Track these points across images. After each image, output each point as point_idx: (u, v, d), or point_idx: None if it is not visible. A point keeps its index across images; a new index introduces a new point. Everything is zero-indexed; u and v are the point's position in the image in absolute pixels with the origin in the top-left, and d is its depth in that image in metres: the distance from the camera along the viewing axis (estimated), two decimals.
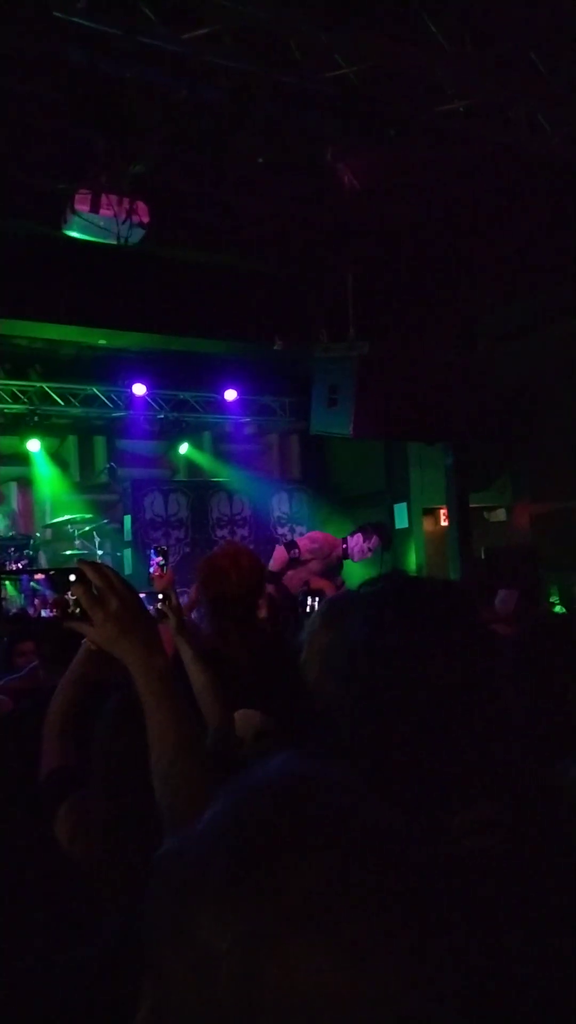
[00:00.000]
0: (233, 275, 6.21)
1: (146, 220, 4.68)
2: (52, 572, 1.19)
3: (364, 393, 6.04)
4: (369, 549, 5.43)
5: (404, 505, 8.22)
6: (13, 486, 8.28)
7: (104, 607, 1.12)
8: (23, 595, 1.19)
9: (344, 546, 5.44)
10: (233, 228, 5.29)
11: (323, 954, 0.45)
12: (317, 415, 6.40)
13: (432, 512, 8.25)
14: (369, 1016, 0.45)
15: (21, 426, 8.06)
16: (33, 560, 7.11)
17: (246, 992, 0.45)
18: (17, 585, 1.19)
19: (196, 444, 9.09)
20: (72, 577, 1.15)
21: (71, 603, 1.15)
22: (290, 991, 0.45)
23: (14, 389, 7.76)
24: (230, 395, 8.58)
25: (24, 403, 7.82)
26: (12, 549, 7.01)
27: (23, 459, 8.24)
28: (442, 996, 0.47)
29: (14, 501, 8.19)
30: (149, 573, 6.79)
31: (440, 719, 0.89)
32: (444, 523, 7.99)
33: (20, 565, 6.96)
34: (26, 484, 8.35)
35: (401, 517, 8.19)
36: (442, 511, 7.98)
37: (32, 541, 7.30)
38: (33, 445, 8.10)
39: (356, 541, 5.40)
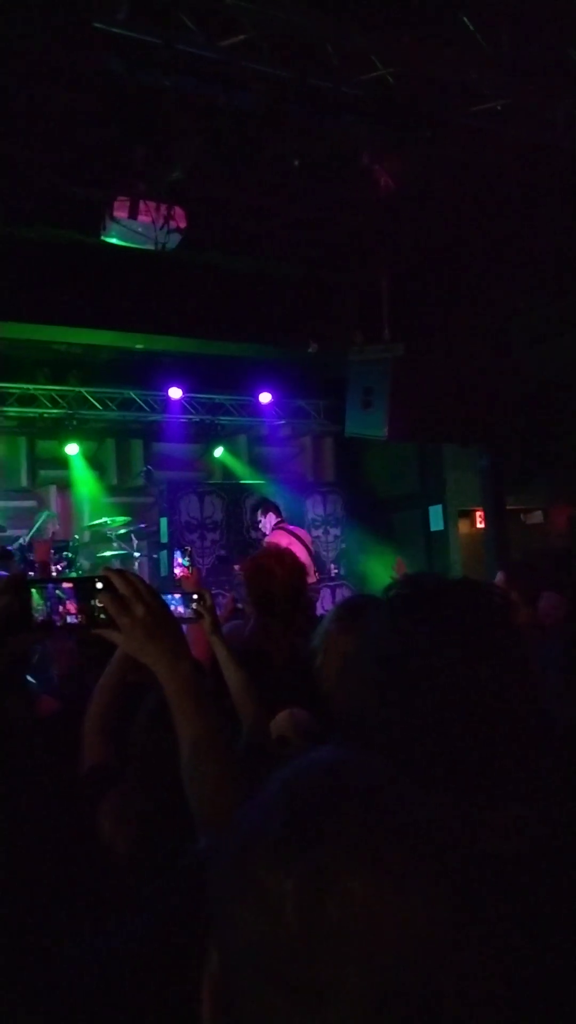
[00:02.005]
0: (268, 279, 6.25)
1: (183, 225, 4.75)
2: (78, 580, 1.20)
3: (399, 395, 6.03)
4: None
5: (439, 507, 8.17)
6: (52, 489, 8.43)
7: (130, 614, 1.13)
8: (48, 603, 1.19)
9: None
10: (268, 232, 5.33)
11: (375, 888, 0.51)
12: (352, 417, 6.40)
13: (468, 514, 8.19)
14: (419, 942, 0.50)
15: (60, 430, 8.20)
16: (72, 562, 7.23)
17: (310, 926, 0.51)
18: (43, 593, 1.19)
19: (231, 447, 9.15)
20: (99, 584, 1.16)
21: (98, 610, 1.16)
22: (349, 922, 0.50)
23: (53, 394, 7.90)
24: (265, 398, 8.62)
25: (63, 407, 7.96)
26: (52, 551, 7.12)
27: (62, 463, 8.38)
28: (485, 931, 0.52)
29: (53, 504, 8.33)
30: (172, 574, 7.00)
31: (472, 723, 0.90)
32: (480, 525, 7.93)
33: (60, 567, 7.08)
34: (65, 487, 8.49)
35: (436, 519, 8.14)
36: (478, 513, 7.92)
37: (71, 543, 7.41)
38: (72, 449, 8.23)
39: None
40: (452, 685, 0.94)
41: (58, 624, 1.19)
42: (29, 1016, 0.76)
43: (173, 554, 7.16)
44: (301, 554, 5.68)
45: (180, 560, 7.21)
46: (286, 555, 2.67)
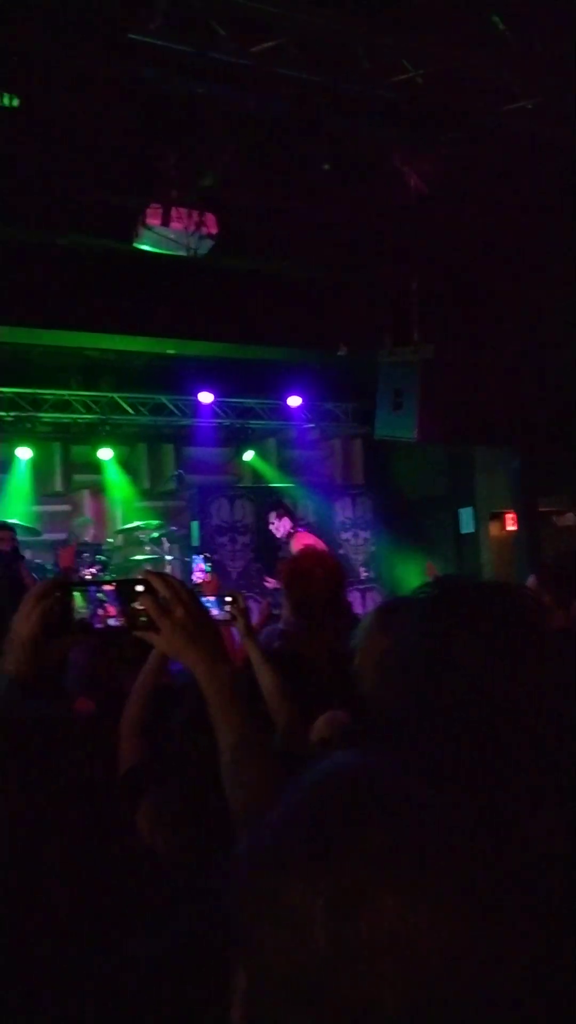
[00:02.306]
0: (297, 282, 6.29)
1: (214, 231, 4.81)
2: (119, 582, 1.21)
3: (429, 397, 6.02)
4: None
5: (470, 509, 8.12)
6: (86, 493, 8.55)
7: (171, 616, 1.14)
8: (90, 605, 1.20)
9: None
10: (298, 236, 5.37)
11: (405, 904, 0.50)
12: (381, 419, 6.40)
13: (498, 517, 8.12)
14: (451, 958, 0.49)
15: (93, 435, 8.31)
16: (106, 565, 7.32)
17: (340, 945, 0.50)
18: (85, 595, 1.20)
19: (261, 450, 9.20)
20: (139, 587, 1.16)
21: (138, 613, 1.16)
22: (380, 940, 0.50)
23: (87, 399, 8.02)
24: (294, 401, 8.66)
25: (96, 413, 8.07)
26: (86, 555, 7.23)
27: (95, 467, 8.49)
28: (516, 944, 0.51)
29: (87, 508, 8.45)
30: (191, 580, 7.08)
31: (502, 727, 0.90)
32: (511, 528, 7.86)
33: (94, 570, 7.18)
34: (98, 491, 8.60)
35: (467, 522, 8.09)
36: (508, 515, 7.85)
37: (104, 547, 7.51)
38: (105, 453, 8.34)
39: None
40: (483, 689, 0.94)
41: (98, 626, 1.21)
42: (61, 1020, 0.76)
43: (195, 560, 7.27)
44: None
45: (202, 566, 7.34)
46: (326, 557, 2.68)
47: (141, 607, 1.16)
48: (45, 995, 0.76)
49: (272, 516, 6.54)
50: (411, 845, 0.52)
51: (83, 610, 1.21)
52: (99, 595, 1.21)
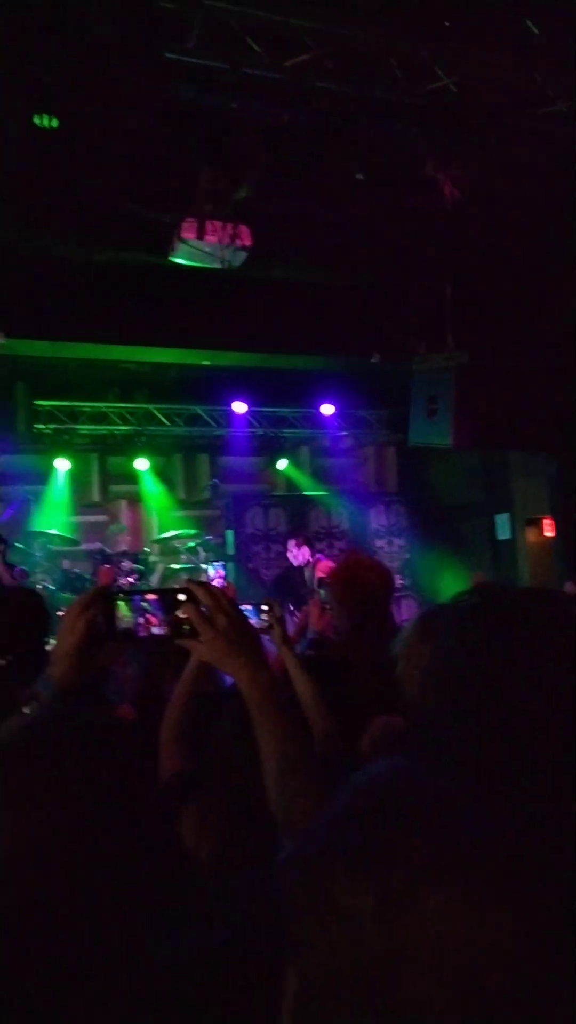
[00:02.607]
0: (330, 291, 6.32)
1: (248, 243, 4.86)
2: (162, 592, 1.23)
3: (464, 402, 5.98)
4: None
5: (506, 515, 8.04)
6: (123, 503, 8.66)
7: (213, 625, 1.16)
8: (135, 614, 1.22)
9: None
10: (331, 244, 5.40)
11: (455, 904, 0.51)
12: (416, 426, 6.38)
13: (535, 523, 8.03)
14: (501, 958, 0.50)
15: (130, 446, 8.42)
16: (144, 574, 7.40)
17: (391, 944, 0.51)
18: (130, 604, 1.23)
19: (294, 459, 9.22)
20: (181, 596, 1.19)
21: (181, 621, 1.19)
22: (430, 939, 0.50)
23: (123, 411, 8.13)
24: (327, 410, 8.68)
25: (132, 424, 8.18)
26: (124, 564, 7.32)
27: (132, 478, 8.60)
28: (559, 945, 0.51)
29: (124, 518, 8.56)
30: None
31: (542, 734, 0.90)
32: (548, 534, 7.76)
33: (131, 580, 7.27)
34: (135, 501, 8.70)
35: (503, 528, 8.01)
36: (546, 521, 7.76)
37: (140, 556, 7.59)
38: (141, 464, 8.44)
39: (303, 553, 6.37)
40: (523, 696, 0.94)
41: (142, 635, 1.23)
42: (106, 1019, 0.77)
43: (213, 567, 7.33)
44: None
45: (221, 573, 7.37)
46: (378, 565, 2.68)
47: (183, 615, 1.19)
48: (89, 1000, 0.77)
49: (291, 543, 6.59)
50: (459, 846, 0.53)
51: (128, 619, 1.23)
52: (143, 604, 1.24)
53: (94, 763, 0.85)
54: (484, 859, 0.53)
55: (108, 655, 1.24)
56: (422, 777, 0.60)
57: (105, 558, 7.45)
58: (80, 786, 0.83)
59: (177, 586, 1.22)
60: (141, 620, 1.23)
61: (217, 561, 7.74)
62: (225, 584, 6.97)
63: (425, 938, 0.50)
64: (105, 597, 1.21)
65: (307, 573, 6.51)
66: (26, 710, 1.16)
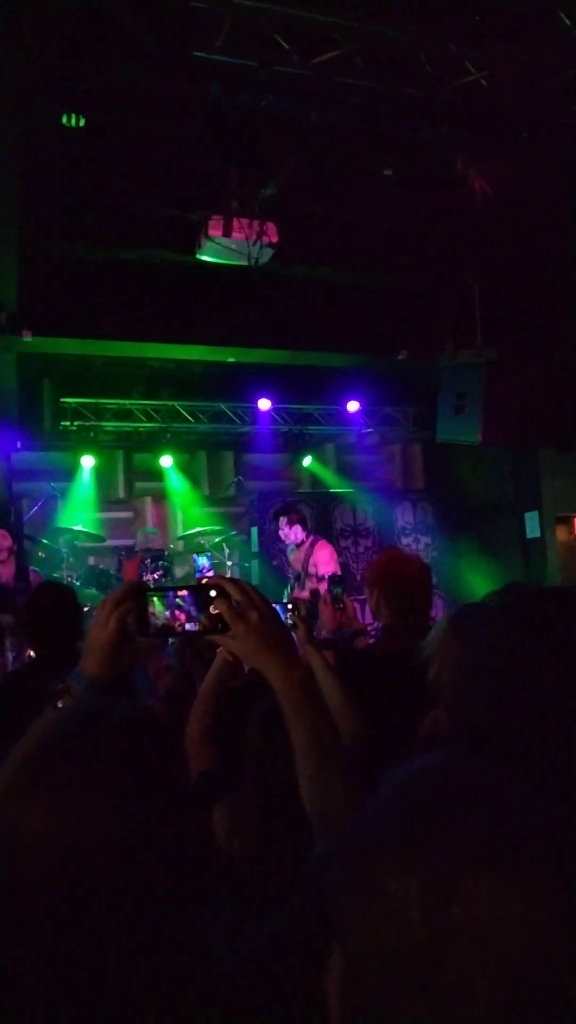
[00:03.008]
0: (358, 288, 6.28)
1: (275, 240, 4.84)
2: (194, 588, 1.23)
3: (492, 399, 5.92)
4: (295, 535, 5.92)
5: (535, 514, 7.95)
6: (148, 500, 8.70)
7: (246, 621, 1.16)
8: (169, 610, 1.24)
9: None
10: (359, 241, 5.36)
11: (498, 890, 0.52)
12: (443, 423, 6.33)
13: (565, 521, 7.93)
14: (545, 943, 0.51)
15: (155, 443, 8.45)
16: (168, 571, 7.43)
17: (436, 929, 0.52)
18: (164, 600, 1.24)
19: (319, 456, 9.19)
20: (213, 592, 1.19)
21: (214, 617, 1.19)
22: (474, 925, 0.52)
23: (148, 408, 8.16)
24: (352, 407, 8.63)
25: (157, 421, 8.20)
26: (148, 560, 7.35)
27: (157, 474, 8.63)
28: None
29: (149, 515, 8.60)
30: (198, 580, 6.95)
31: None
32: None
33: (156, 576, 7.30)
34: (160, 498, 8.74)
35: (532, 526, 7.92)
36: None
37: (166, 553, 7.62)
38: (166, 461, 8.47)
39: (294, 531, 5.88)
40: (556, 693, 0.96)
41: (178, 630, 1.24)
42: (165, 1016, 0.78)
43: (194, 558, 7.29)
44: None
45: (205, 564, 7.21)
46: (416, 558, 2.74)
47: (215, 611, 1.19)
48: (139, 997, 0.77)
49: (283, 520, 5.99)
50: (502, 836, 0.55)
51: (162, 615, 1.24)
52: (177, 600, 1.24)
53: (138, 755, 0.86)
54: (528, 848, 0.54)
55: (140, 650, 1.24)
56: (466, 769, 0.62)
57: (129, 553, 7.49)
58: (126, 778, 0.83)
59: (210, 582, 1.23)
60: (169, 615, 1.25)
61: (199, 553, 7.67)
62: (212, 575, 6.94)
63: (469, 924, 0.52)
64: (137, 593, 1.21)
65: (294, 555, 6.07)
66: (59, 704, 1.17)
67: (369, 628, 4.37)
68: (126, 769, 0.84)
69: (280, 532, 6.11)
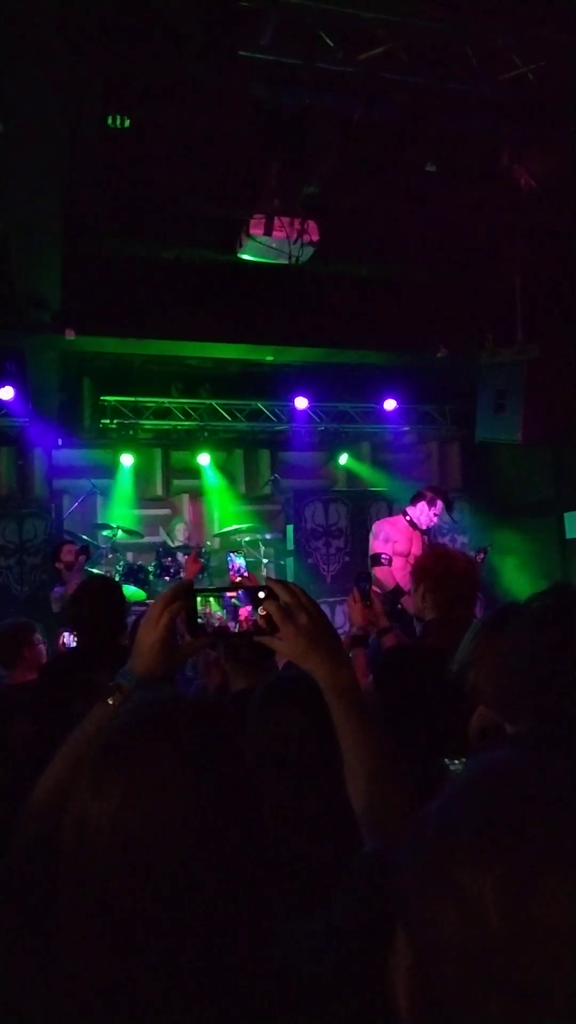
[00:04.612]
0: (397, 285, 6.24)
1: (316, 238, 4.83)
2: (243, 589, 1.24)
3: (534, 397, 5.84)
4: (435, 515, 5.63)
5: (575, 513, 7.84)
6: (185, 498, 8.77)
7: (295, 622, 1.17)
8: (225, 610, 1.26)
9: (408, 517, 5.60)
10: (400, 238, 5.32)
11: (571, 890, 0.52)
12: (483, 422, 6.27)
13: None
14: None
15: (192, 441, 8.52)
16: (205, 568, 7.48)
17: (513, 925, 0.52)
18: (220, 601, 1.26)
19: (355, 454, 9.17)
20: (262, 594, 1.20)
21: (263, 619, 1.20)
22: (552, 922, 0.52)
23: (186, 407, 8.22)
24: (389, 405, 8.58)
25: (195, 419, 8.26)
26: (185, 557, 7.41)
27: (194, 472, 8.70)
28: None
29: (186, 512, 8.67)
30: (231, 579, 6.87)
31: None
32: None
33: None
34: (197, 496, 8.81)
35: (572, 526, 7.81)
36: None
37: (203, 550, 7.68)
38: (203, 459, 8.54)
39: (421, 510, 5.57)
40: None
41: (233, 630, 1.26)
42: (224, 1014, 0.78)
43: (228, 557, 7.27)
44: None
45: (238, 563, 7.15)
46: (463, 554, 2.76)
47: (264, 613, 1.21)
48: (208, 984, 0.78)
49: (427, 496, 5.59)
50: None
51: (219, 615, 1.25)
52: (234, 601, 1.25)
53: (208, 744, 0.86)
54: None
55: (189, 650, 1.26)
56: (538, 767, 0.61)
57: (167, 551, 7.56)
58: (198, 766, 0.84)
59: (259, 584, 1.24)
60: (205, 613, 1.25)
61: (233, 551, 7.65)
62: (247, 574, 6.90)
63: (548, 923, 0.52)
64: (187, 593, 1.23)
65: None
66: (110, 701, 1.19)
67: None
68: (197, 757, 0.84)
69: (420, 514, 5.62)
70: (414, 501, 5.68)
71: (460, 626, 2.38)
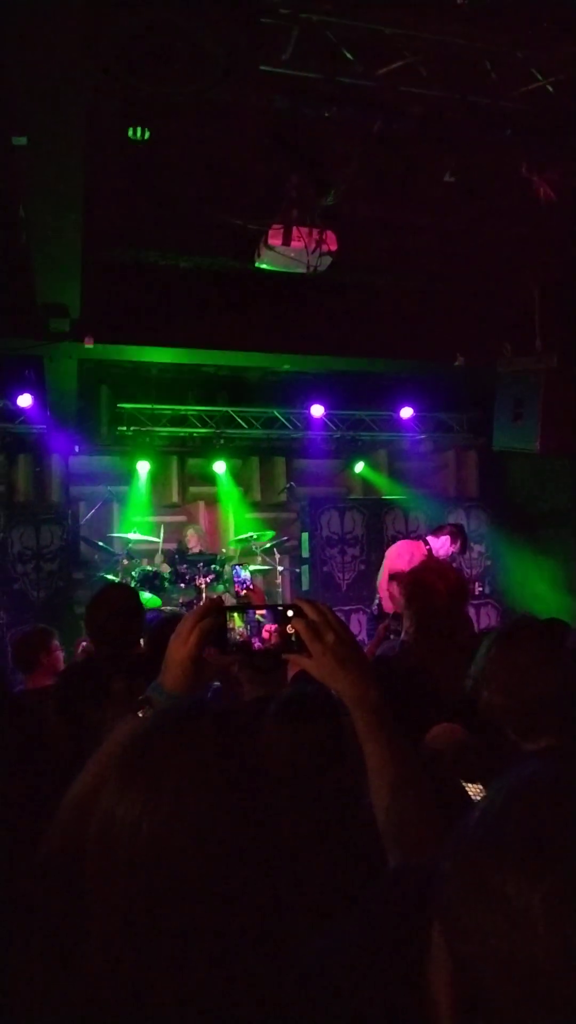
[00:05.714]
0: (415, 294, 6.24)
1: (334, 248, 4.84)
2: (271, 607, 1.27)
3: (552, 407, 5.83)
4: (453, 551, 5.80)
5: None
6: (200, 505, 8.80)
7: (322, 641, 1.19)
8: (249, 627, 1.26)
9: (428, 546, 5.82)
10: (419, 248, 5.33)
11: None
12: (500, 431, 6.25)
13: None
14: None
15: (208, 448, 8.55)
16: (219, 575, 7.50)
17: (563, 939, 0.52)
18: (243, 617, 1.26)
19: (371, 462, 9.17)
20: (290, 612, 1.22)
21: (290, 637, 1.22)
22: None
23: (202, 414, 8.26)
24: (406, 413, 8.58)
25: (211, 427, 8.30)
26: (200, 565, 7.44)
27: (210, 479, 8.73)
28: None
29: (201, 519, 8.69)
30: (236, 592, 6.86)
31: None
32: None
33: (208, 580, 7.37)
34: (212, 503, 8.83)
35: None
36: None
37: (218, 558, 7.70)
38: (219, 466, 8.56)
39: (443, 543, 5.78)
40: None
41: (257, 647, 1.26)
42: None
43: (234, 570, 7.28)
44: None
45: (245, 575, 7.10)
46: (448, 570, 2.69)
47: (291, 631, 1.22)
48: (233, 985, 0.78)
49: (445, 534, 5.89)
50: None
51: (243, 631, 1.27)
52: (258, 617, 1.27)
53: (231, 749, 0.88)
54: None
55: (220, 666, 1.27)
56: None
57: (183, 558, 7.59)
58: (221, 770, 0.85)
59: (287, 603, 1.26)
60: (231, 631, 1.26)
61: (239, 566, 7.66)
62: (252, 588, 6.92)
63: None
64: (218, 610, 1.25)
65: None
66: (140, 714, 1.20)
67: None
68: (219, 763, 0.86)
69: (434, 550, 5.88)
70: (437, 532, 5.95)
71: (438, 643, 2.37)
